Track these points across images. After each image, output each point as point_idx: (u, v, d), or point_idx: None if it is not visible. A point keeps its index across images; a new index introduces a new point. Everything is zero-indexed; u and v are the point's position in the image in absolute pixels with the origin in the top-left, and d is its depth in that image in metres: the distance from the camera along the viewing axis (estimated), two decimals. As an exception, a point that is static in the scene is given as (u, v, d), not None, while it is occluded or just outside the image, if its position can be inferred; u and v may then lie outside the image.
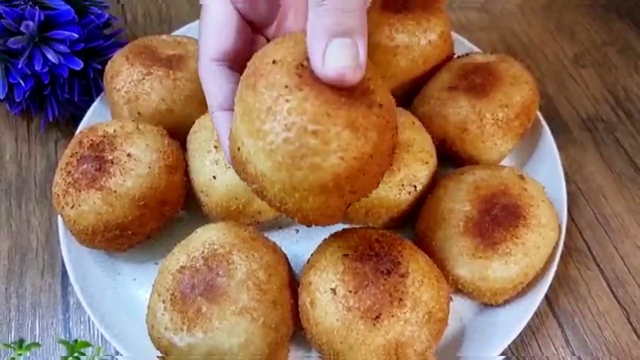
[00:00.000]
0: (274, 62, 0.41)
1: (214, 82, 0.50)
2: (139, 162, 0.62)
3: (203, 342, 0.54)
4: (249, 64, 0.45)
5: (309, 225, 0.46)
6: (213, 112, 0.51)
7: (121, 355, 0.61)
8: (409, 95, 0.76)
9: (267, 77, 0.41)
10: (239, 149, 0.43)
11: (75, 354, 0.54)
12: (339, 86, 0.40)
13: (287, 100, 0.39)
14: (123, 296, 0.67)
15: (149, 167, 0.62)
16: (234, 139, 0.44)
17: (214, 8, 0.51)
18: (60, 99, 0.77)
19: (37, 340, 0.67)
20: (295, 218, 0.45)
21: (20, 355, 0.55)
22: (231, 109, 0.49)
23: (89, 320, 0.68)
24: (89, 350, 0.61)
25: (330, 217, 0.45)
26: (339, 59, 0.39)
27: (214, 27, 0.51)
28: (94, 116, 0.76)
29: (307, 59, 0.41)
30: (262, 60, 0.42)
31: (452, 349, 0.63)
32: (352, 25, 0.40)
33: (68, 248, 0.67)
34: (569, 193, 0.70)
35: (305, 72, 0.40)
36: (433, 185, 0.67)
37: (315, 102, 0.39)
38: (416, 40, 0.72)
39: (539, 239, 0.61)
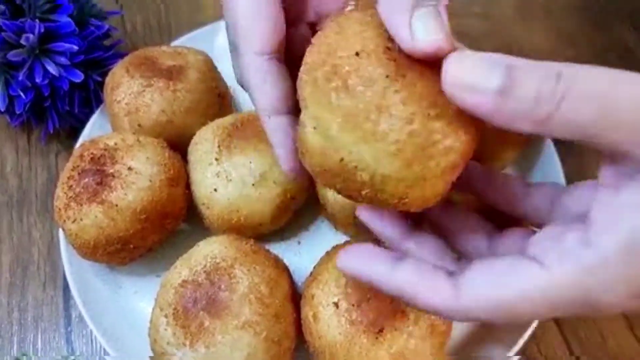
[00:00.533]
0: (357, 54, 0.36)
1: (266, 81, 0.42)
2: (140, 175, 0.62)
3: (206, 357, 0.54)
4: (310, 62, 0.38)
5: (415, 211, 0.42)
6: (268, 117, 0.43)
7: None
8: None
9: (358, 72, 0.36)
10: (342, 159, 0.37)
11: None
12: (433, 59, 0.35)
13: (396, 91, 0.35)
14: (125, 309, 0.67)
15: (150, 181, 0.62)
16: (326, 152, 0.37)
17: None
18: (60, 110, 0.77)
19: (39, 354, 0.66)
20: (411, 209, 0.40)
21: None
22: (289, 113, 0.43)
23: (91, 334, 0.68)
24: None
25: (441, 197, 0.41)
26: (429, 29, 0.34)
27: (254, 14, 0.42)
28: (95, 128, 0.76)
29: (390, 40, 0.36)
30: (336, 54, 0.37)
31: (464, 348, 0.62)
32: None
33: (69, 261, 0.67)
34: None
35: (396, 55, 0.36)
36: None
37: (424, 83, 0.35)
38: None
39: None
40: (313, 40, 0.39)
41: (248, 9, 0.42)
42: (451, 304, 0.35)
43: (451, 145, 0.36)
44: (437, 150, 0.36)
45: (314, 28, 0.51)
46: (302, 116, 0.40)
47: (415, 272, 0.37)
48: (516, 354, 0.60)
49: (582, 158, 0.82)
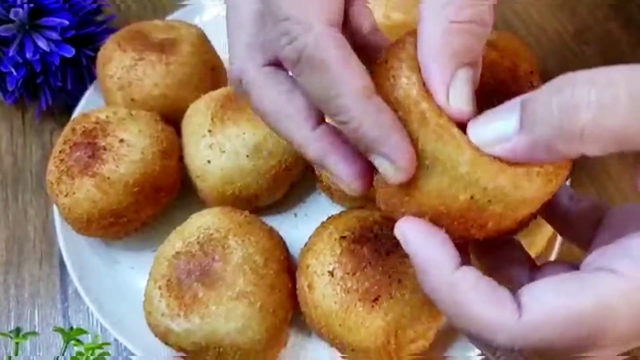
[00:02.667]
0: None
1: (352, 55, 0.33)
2: (132, 147, 0.61)
3: (200, 328, 0.54)
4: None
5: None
6: (368, 98, 0.32)
7: (120, 342, 0.61)
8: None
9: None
10: (472, 196, 0.34)
11: (72, 341, 0.53)
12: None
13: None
14: (121, 284, 0.66)
15: (142, 153, 0.62)
16: (450, 192, 0.34)
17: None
18: (53, 87, 0.76)
19: (36, 330, 0.66)
20: (514, 233, 0.39)
21: (18, 343, 0.55)
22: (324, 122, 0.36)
23: (88, 309, 0.67)
24: (88, 338, 0.61)
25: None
26: (463, 98, 0.32)
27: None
28: (89, 104, 0.75)
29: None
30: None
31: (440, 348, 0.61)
32: (478, 52, 0.33)
33: (65, 237, 0.66)
34: (571, 171, 0.69)
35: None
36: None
37: None
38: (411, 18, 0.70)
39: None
40: None
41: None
42: (512, 319, 0.30)
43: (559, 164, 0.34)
44: (553, 168, 0.34)
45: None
46: None
47: (476, 280, 0.32)
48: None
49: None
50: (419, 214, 0.35)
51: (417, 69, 0.34)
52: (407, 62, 0.34)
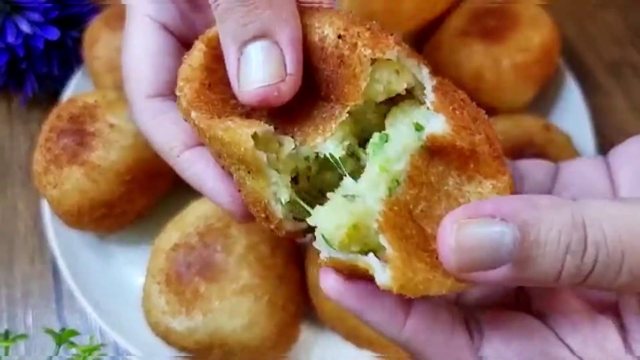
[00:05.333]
0: None
1: (166, 121, 0.38)
2: (122, 132, 0.57)
3: (203, 325, 0.50)
4: None
5: None
6: (179, 155, 0.37)
7: (118, 341, 0.57)
8: (417, 44, 0.69)
9: None
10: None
11: (65, 344, 0.49)
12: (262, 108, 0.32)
13: None
14: (117, 281, 0.62)
15: (134, 138, 0.57)
16: None
17: (139, 35, 0.40)
18: (38, 72, 0.72)
19: (30, 332, 0.62)
20: None
21: (7, 347, 0.51)
22: (200, 145, 0.37)
23: (84, 308, 0.63)
24: (85, 339, 0.57)
25: None
26: (255, 73, 0.31)
27: (140, 60, 0.39)
28: (77, 90, 0.70)
29: None
30: None
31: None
32: (265, 20, 0.31)
33: (56, 232, 0.62)
34: (598, 145, 0.64)
35: None
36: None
37: None
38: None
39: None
40: None
41: (135, 57, 0.39)
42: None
43: None
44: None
45: None
46: None
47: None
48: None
49: (611, 99, 0.75)
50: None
51: None
52: None
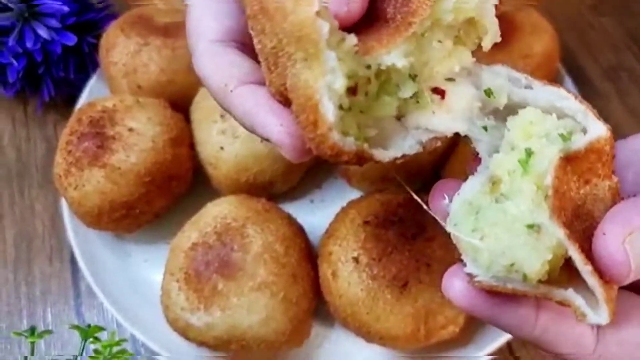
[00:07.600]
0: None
1: (224, 62, 0.38)
2: (141, 136, 0.59)
3: (221, 321, 0.52)
4: None
5: None
6: (232, 90, 0.37)
7: (137, 338, 0.59)
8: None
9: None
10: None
11: (90, 340, 0.51)
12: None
13: None
14: (135, 278, 0.64)
15: (153, 141, 0.59)
16: None
17: None
18: (55, 77, 0.74)
19: (50, 328, 0.64)
20: None
21: (33, 342, 0.53)
22: (257, 82, 0.37)
23: (101, 305, 0.65)
24: (103, 335, 0.59)
25: None
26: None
27: (211, 2, 0.40)
28: (92, 94, 0.72)
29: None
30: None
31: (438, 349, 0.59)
32: None
33: (75, 232, 0.64)
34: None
35: None
36: (455, 144, 0.64)
37: None
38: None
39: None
40: None
41: (199, 6, 0.40)
42: None
43: None
44: None
45: None
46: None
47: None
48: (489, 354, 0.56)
49: (608, 102, 0.78)
50: None
51: None
52: None
